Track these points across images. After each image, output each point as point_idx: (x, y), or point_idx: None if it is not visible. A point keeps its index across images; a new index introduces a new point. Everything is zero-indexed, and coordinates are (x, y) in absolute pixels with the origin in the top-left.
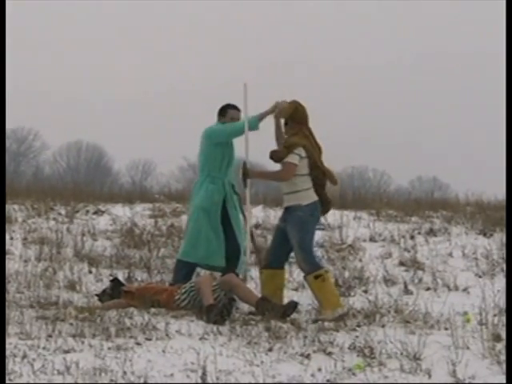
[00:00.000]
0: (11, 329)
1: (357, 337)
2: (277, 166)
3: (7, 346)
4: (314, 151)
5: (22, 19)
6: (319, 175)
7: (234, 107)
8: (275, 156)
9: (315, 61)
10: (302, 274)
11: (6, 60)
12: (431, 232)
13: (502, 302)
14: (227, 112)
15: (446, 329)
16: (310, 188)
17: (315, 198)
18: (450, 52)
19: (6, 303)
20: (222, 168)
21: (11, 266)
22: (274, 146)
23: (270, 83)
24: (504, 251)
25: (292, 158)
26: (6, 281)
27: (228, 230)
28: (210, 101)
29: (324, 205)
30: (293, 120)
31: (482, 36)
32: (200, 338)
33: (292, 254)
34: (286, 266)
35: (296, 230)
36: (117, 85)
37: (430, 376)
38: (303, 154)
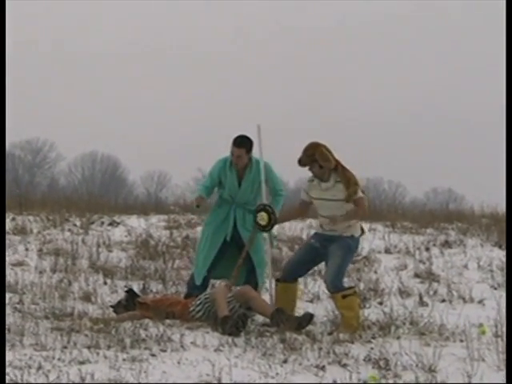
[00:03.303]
0: (26, 340)
1: (372, 348)
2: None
3: (22, 357)
4: None
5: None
6: None
7: (234, 142)
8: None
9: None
10: (321, 288)
11: (5, 61)
12: (446, 244)
13: None
14: (231, 146)
15: (462, 341)
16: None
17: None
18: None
19: (21, 314)
20: (228, 197)
21: (26, 277)
22: None
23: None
24: None
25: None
26: (21, 292)
27: (241, 249)
28: (223, 114)
29: None
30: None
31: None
32: (215, 350)
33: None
34: (302, 278)
35: (343, 252)
36: (132, 96)
37: None
38: None
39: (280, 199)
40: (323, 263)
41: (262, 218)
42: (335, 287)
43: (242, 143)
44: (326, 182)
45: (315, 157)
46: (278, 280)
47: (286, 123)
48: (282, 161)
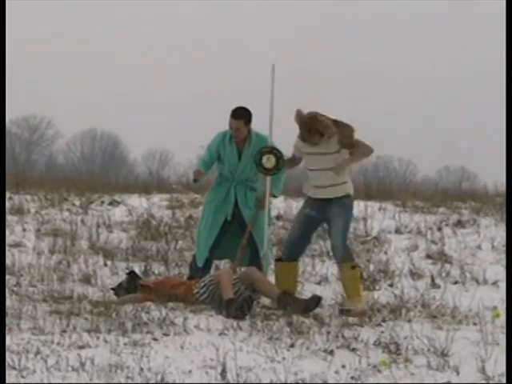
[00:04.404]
0: (24, 324)
1: (382, 332)
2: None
3: (20, 342)
4: None
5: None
6: None
7: (232, 114)
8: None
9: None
10: (329, 269)
11: (5, 56)
12: (459, 224)
13: None
14: (229, 119)
15: (475, 324)
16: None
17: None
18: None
19: (18, 297)
20: (228, 173)
21: (24, 258)
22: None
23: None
24: None
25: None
26: (19, 274)
27: (244, 228)
28: (227, 90)
29: None
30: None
31: None
32: (219, 334)
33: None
34: (309, 259)
35: (343, 212)
36: (132, 72)
37: (458, 373)
38: None
39: (280, 174)
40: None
41: (269, 160)
42: (346, 251)
43: (240, 115)
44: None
45: (316, 129)
46: (277, 260)
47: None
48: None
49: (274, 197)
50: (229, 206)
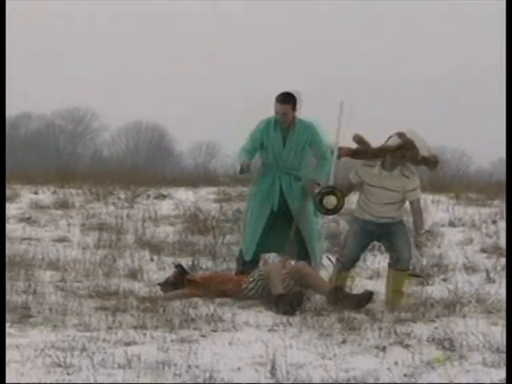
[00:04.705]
0: (69, 320)
1: (436, 328)
2: None
3: (65, 339)
4: None
5: None
6: None
7: (278, 99)
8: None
9: None
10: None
11: (5, 55)
12: None
13: None
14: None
15: None
16: None
17: None
18: None
19: (64, 293)
20: (272, 162)
21: (69, 253)
22: None
23: None
24: None
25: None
26: (64, 269)
27: (291, 220)
28: (277, 81)
29: None
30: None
31: None
32: (269, 330)
33: None
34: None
35: (408, 232)
36: (178, 61)
37: None
38: None
39: (326, 163)
40: None
41: (331, 201)
42: (406, 266)
43: (287, 99)
44: (389, 172)
45: (408, 155)
46: (338, 268)
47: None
48: None
49: (319, 185)
50: (274, 196)
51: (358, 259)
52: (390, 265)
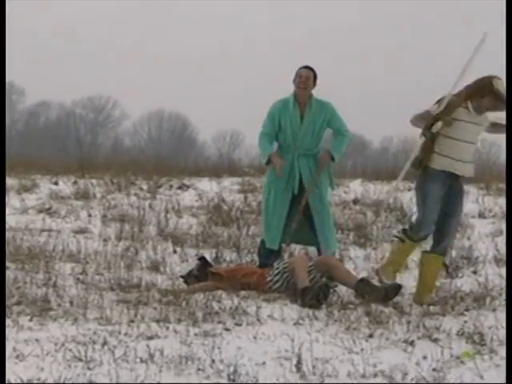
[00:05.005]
0: (90, 313)
1: (465, 322)
2: None
3: (86, 332)
4: None
5: None
6: None
7: (301, 67)
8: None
9: None
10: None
11: (5, 52)
12: None
13: None
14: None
15: None
16: None
17: None
18: None
19: (84, 286)
20: (289, 141)
21: (89, 245)
22: None
23: None
24: None
25: None
26: (85, 261)
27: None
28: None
29: None
30: None
31: None
32: (294, 324)
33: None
34: (387, 244)
35: (462, 203)
36: (200, 49)
37: None
38: None
39: (344, 139)
40: None
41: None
42: (446, 251)
43: (310, 68)
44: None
45: (494, 88)
46: (406, 239)
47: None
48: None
49: (333, 160)
50: (295, 180)
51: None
52: (427, 250)
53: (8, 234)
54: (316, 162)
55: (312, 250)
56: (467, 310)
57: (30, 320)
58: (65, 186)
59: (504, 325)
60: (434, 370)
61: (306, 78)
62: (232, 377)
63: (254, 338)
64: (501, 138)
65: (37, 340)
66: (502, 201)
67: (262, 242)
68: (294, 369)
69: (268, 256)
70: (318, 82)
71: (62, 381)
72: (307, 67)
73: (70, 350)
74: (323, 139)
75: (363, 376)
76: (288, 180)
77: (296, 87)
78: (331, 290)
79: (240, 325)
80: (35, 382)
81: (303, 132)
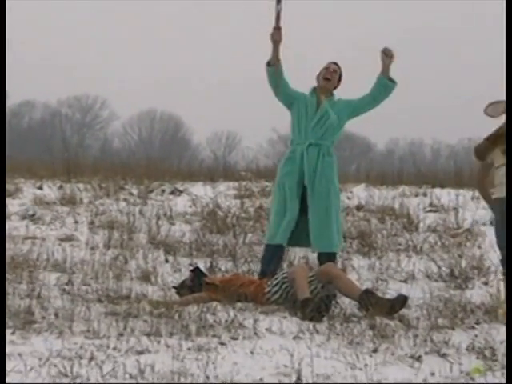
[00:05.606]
0: (76, 326)
1: (476, 336)
2: None
3: (72, 346)
4: None
5: None
6: None
7: (329, 62)
8: None
9: None
10: (416, 266)
11: (5, 50)
12: None
13: None
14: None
15: None
16: None
17: None
18: None
19: (70, 297)
20: (301, 129)
21: (76, 253)
22: None
23: None
24: None
25: None
26: (71, 271)
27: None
28: (300, 69)
29: None
30: None
31: None
32: (294, 337)
33: None
34: (393, 254)
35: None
36: (194, 46)
37: None
38: None
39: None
40: None
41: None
42: None
43: (338, 64)
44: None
45: None
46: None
47: None
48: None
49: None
50: (305, 172)
51: None
52: None
53: None
54: (326, 154)
55: (313, 259)
56: (478, 323)
57: (13, 333)
58: (50, 191)
59: None
60: None
61: (334, 70)
62: None
63: (251, 352)
64: None
65: (19, 355)
66: None
67: (267, 247)
68: None
69: (269, 261)
70: (341, 83)
71: None
72: (337, 63)
73: (55, 366)
74: (338, 135)
75: None
76: (299, 172)
77: (320, 78)
78: (333, 302)
79: (236, 339)
80: None
81: (317, 118)
